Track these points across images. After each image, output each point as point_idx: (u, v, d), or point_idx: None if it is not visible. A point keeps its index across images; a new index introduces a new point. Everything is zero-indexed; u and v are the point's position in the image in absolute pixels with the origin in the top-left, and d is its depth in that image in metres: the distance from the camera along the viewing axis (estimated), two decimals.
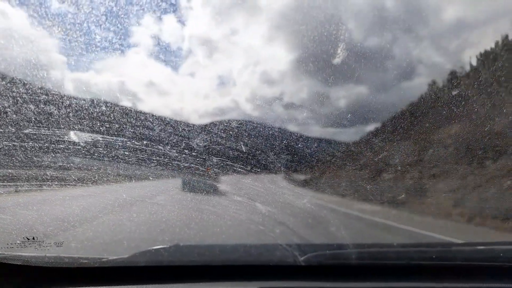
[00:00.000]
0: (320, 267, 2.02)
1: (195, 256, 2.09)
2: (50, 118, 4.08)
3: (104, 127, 4.43)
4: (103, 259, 1.90)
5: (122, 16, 5.06)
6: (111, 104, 4.69)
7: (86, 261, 1.92)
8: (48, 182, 4.31)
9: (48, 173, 4.26)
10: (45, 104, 4.05)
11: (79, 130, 4.25)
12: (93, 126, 4.36)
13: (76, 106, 4.35)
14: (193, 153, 5.03)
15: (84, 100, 4.52)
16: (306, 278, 1.97)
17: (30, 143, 3.97)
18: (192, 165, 4.94)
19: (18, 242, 2.27)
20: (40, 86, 3.96)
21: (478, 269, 2.09)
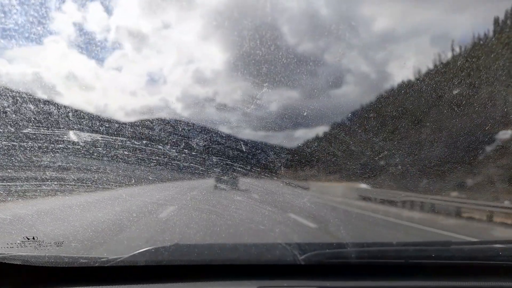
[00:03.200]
0: (320, 266, 2.03)
1: (195, 256, 2.09)
2: None
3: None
4: (102, 258, 1.90)
5: None
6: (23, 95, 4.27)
7: (85, 260, 1.92)
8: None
9: None
10: None
11: None
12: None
13: None
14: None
15: None
16: (305, 277, 1.97)
17: None
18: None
19: (18, 242, 2.27)
20: None
21: (477, 267, 2.09)
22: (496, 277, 2.02)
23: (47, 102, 4.58)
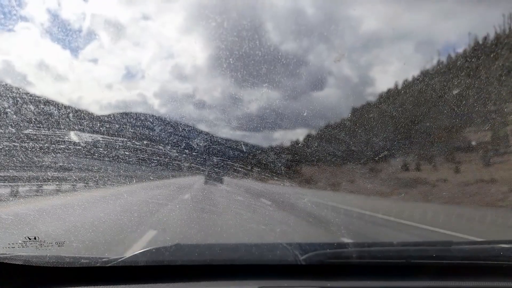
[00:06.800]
0: (321, 266, 2.03)
1: (196, 256, 2.09)
2: None
3: None
4: (104, 258, 1.90)
5: None
6: None
7: (87, 261, 1.92)
8: None
9: None
10: None
11: None
12: None
13: None
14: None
15: None
16: (306, 277, 1.97)
17: None
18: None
19: (20, 242, 2.28)
20: None
21: (478, 267, 2.09)
22: (498, 277, 2.01)
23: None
